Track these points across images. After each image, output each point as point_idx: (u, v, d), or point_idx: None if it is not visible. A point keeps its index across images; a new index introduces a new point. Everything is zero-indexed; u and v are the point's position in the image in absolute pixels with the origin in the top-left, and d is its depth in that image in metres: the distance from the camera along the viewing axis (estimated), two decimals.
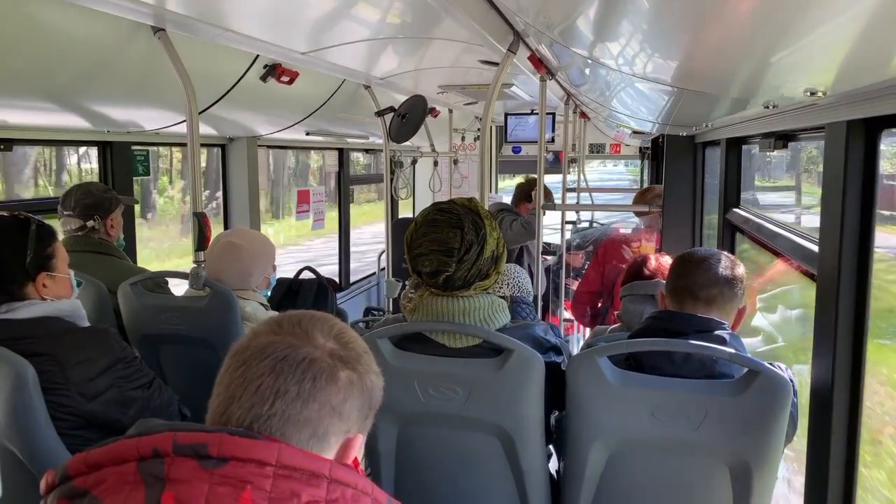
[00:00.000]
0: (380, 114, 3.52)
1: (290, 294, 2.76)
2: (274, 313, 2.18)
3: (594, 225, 6.65)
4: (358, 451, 0.85)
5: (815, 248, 1.58)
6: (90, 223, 2.39)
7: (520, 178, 5.06)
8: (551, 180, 5.12)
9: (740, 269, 1.67)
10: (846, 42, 0.92)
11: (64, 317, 1.59)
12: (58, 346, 1.51)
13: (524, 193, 4.47)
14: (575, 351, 1.87)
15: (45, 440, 1.47)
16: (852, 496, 1.47)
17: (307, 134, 3.85)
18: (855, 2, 0.73)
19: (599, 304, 3.70)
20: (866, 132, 1.35)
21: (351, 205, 5.36)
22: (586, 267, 4.19)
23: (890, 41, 0.88)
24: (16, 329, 1.52)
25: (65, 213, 2.39)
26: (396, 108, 3.47)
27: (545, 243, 4.84)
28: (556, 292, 4.82)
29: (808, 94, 1.28)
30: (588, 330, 4.06)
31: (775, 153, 2.10)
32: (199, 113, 2.32)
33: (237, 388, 0.79)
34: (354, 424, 0.84)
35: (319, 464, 0.75)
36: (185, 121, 2.15)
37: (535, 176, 4.55)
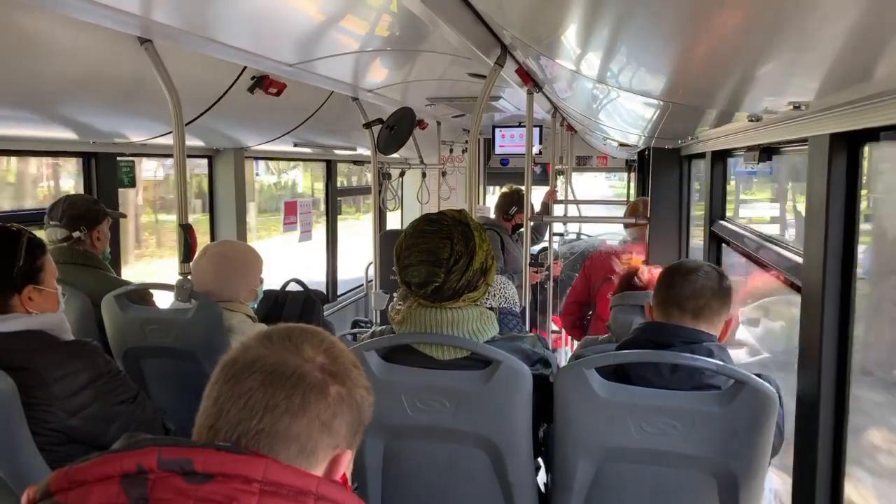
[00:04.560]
0: (368, 125, 3.52)
1: (277, 306, 2.74)
2: (261, 326, 2.17)
3: (582, 237, 6.68)
4: (347, 467, 0.84)
5: (800, 260, 1.59)
6: (76, 234, 2.36)
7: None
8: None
9: (727, 281, 1.68)
10: (830, 55, 0.94)
11: (47, 330, 1.57)
12: (39, 361, 1.49)
13: (507, 207, 4.50)
14: (562, 363, 1.87)
15: (26, 456, 1.45)
16: None
17: (295, 145, 3.85)
18: (839, 15, 0.74)
19: (590, 314, 3.72)
20: (849, 145, 1.37)
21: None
22: (574, 279, 4.20)
23: (872, 55, 0.90)
24: None
25: (51, 223, 2.37)
26: (384, 119, 3.47)
27: (532, 255, 4.85)
28: (543, 304, 4.83)
29: (792, 107, 1.29)
30: (576, 342, 4.07)
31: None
32: (186, 124, 2.31)
33: (225, 402, 0.78)
34: (343, 440, 0.83)
35: (307, 480, 0.74)
36: (171, 132, 2.14)
37: (518, 186, 4.59)
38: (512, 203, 4.57)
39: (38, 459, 1.46)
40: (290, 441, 0.78)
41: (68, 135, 2.58)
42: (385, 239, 4.28)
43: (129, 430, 1.55)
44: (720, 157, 2.67)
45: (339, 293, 5.40)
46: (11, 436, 1.43)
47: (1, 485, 1.47)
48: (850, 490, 1.47)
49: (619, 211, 4.87)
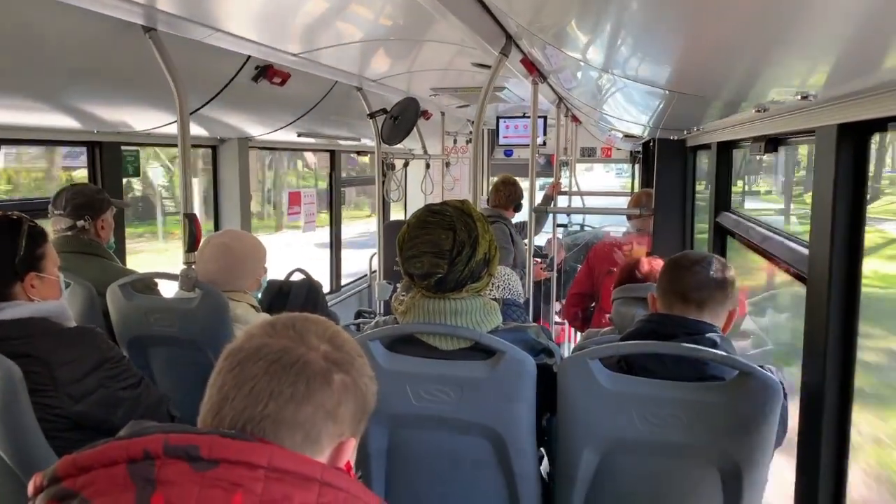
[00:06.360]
0: (372, 116, 3.52)
1: (281, 296, 2.74)
2: (265, 315, 2.17)
3: (585, 228, 6.67)
4: (351, 454, 0.84)
5: (806, 251, 1.59)
6: (80, 223, 2.37)
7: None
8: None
9: (731, 272, 1.68)
10: (837, 45, 0.93)
11: (50, 317, 1.58)
12: (44, 347, 1.50)
13: (517, 198, 4.40)
14: (566, 355, 1.87)
15: (33, 442, 1.46)
16: (842, 498, 1.48)
17: (299, 136, 3.84)
18: (847, 5, 0.74)
19: (593, 306, 3.72)
20: (856, 135, 1.36)
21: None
22: (577, 270, 4.19)
23: (880, 45, 0.89)
24: (2, 330, 1.50)
25: (55, 212, 2.38)
26: (388, 110, 3.46)
27: (537, 246, 4.84)
28: (546, 297, 4.83)
29: (799, 97, 1.29)
30: (579, 334, 4.07)
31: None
32: (191, 114, 2.31)
33: (230, 390, 0.79)
34: (347, 428, 0.83)
35: (311, 467, 0.74)
36: (175, 121, 2.14)
37: (509, 174, 4.51)
38: (520, 193, 4.43)
39: (44, 446, 1.47)
40: (294, 428, 0.78)
41: (73, 124, 2.58)
42: (388, 229, 4.28)
43: (135, 415, 1.56)
44: (726, 149, 2.66)
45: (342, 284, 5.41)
46: (18, 422, 1.44)
47: (8, 472, 1.48)
48: None
49: (624, 202, 4.86)
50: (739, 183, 3.39)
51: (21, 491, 1.39)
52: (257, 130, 3.64)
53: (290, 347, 0.81)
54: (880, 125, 1.29)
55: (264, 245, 2.33)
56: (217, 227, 3.83)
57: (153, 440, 0.72)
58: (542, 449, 1.69)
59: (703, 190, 3.17)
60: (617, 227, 5.48)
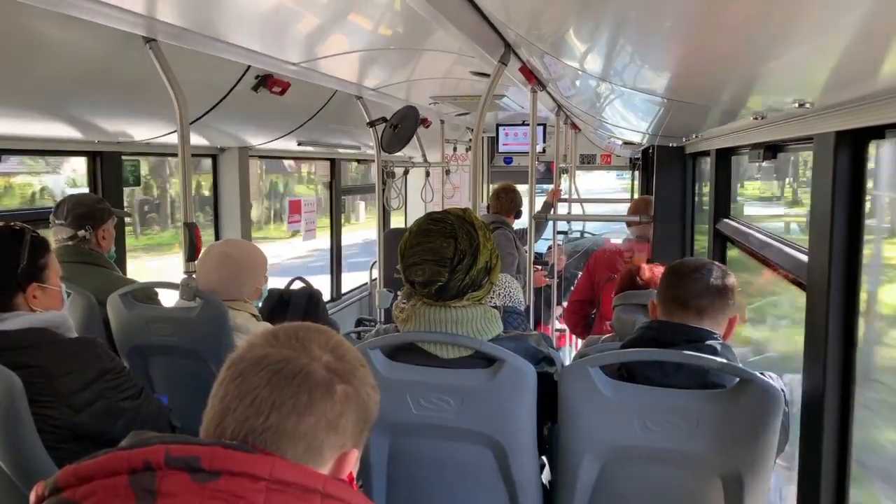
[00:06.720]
0: (371, 124, 3.53)
1: (282, 305, 2.75)
2: (265, 324, 2.17)
3: (585, 235, 6.68)
4: (353, 465, 0.84)
5: (805, 258, 1.59)
6: (81, 233, 2.37)
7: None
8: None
9: (731, 279, 1.68)
10: (835, 53, 0.94)
11: (52, 328, 1.58)
12: (45, 358, 1.50)
13: (517, 204, 4.41)
14: (567, 362, 1.87)
15: (32, 453, 1.45)
16: None
17: (299, 144, 3.85)
18: (844, 13, 0.74)
19: (594, 313, 3.72)
20: (854, 142, 1.36)
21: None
22: (578, 277, 4.19)
23: (878, 52, 0.89)
24: (3, 340, 1.50)
25: (56, 222, 2.38)
26: (388, 118, 3.47)
27: (537, 253, 4.84)
28: (547, 303, 4.83)
29: (797, 104, 1.29)
30: (580, 341, 4.07)
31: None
32: (191, 123, 2.32)
33: (232, 401, 0.79)
34: (350, 439, 0.83)
35: (313, 478, 0.74)
36: (176, 131, 2.15)
37: (509, 182, 4.52)
38: (520, 200, 4.44)
39: (44, 457, 1.46)
40: (296, 439, 0.78)
41: (73, 134, 2.59)
42: (389, 237, 4.28)
43: (135, 425, 1.56)
44: (725, 156, 2.66)
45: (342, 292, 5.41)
46: (18, 433, 1.44)
47: (8, 482, 1.48)
48: None
49: (624, 209, 4.86)
50: (749, 186, 3.39)
51: (21, 502, 1.39)
52: (257, 139, 3.65)
53: (292, 357, 0.81)
54: (877, 133, 1.30)
55: (265, 254, 2.34)
56: (217, 236, 3.83)
57: (154, 451, 0.72)
58: (543, 457, 1.68)
59: (705, 193, 3.18)
60: (617, 234, 5.49)
